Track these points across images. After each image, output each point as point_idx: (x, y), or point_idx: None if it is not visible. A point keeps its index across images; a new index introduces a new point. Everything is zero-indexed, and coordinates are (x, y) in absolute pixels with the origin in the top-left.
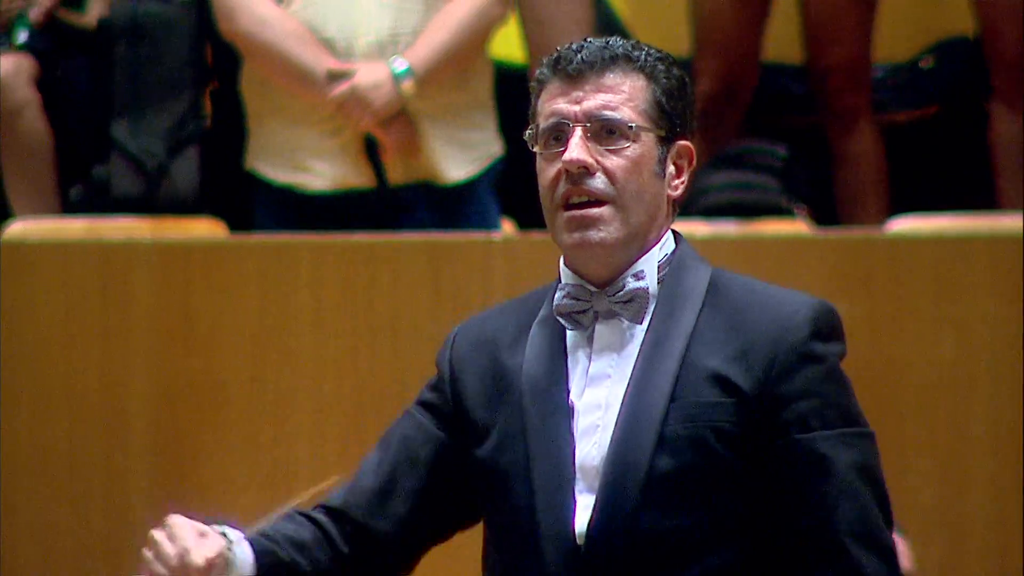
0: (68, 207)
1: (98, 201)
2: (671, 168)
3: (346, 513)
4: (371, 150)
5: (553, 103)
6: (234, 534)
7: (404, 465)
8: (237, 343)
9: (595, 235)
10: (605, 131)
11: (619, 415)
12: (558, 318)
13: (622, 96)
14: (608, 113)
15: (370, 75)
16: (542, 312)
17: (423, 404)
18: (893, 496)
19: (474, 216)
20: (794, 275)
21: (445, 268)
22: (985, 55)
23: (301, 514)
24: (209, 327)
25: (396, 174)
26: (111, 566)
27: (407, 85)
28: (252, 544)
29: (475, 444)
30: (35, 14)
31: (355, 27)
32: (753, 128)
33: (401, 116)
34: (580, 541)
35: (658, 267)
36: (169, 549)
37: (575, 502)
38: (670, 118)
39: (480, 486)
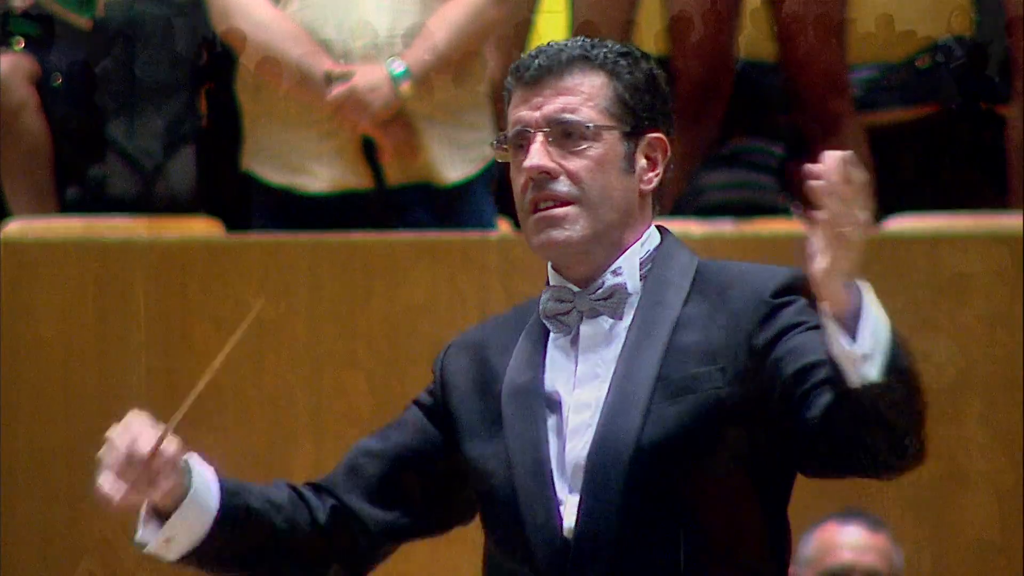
0: (65, 206)
1: (95, 201)
2: (642, 162)
3: (332, 490)
4: (368, 151)
5: (516, 111)
6: (196, 459)
7: (397, 457)
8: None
9: (559, 234)
10: (565, 134)
11: (602, 408)
12: (544, 321)
13: (581, 97)
14: (566, 116)
15: (368, 77)
16: (532, 317)
17: (418, 403)
18: (892, 495)
19: (471, 216)
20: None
21: (442, 268)
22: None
23: (283, 483)
24: (206, 326)
25: (393, 175)
26: (110, 566)
27: (405, 87)
28: (220, 481)
29: (462, 443)
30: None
31: (352, 29)
32: (749, 127)
33: (399, 117)
34: (568, 536)
35: (640, 263)
36: (119, 437)
37: (558, 500)
38: (635, 113)
39: (471, 484)
